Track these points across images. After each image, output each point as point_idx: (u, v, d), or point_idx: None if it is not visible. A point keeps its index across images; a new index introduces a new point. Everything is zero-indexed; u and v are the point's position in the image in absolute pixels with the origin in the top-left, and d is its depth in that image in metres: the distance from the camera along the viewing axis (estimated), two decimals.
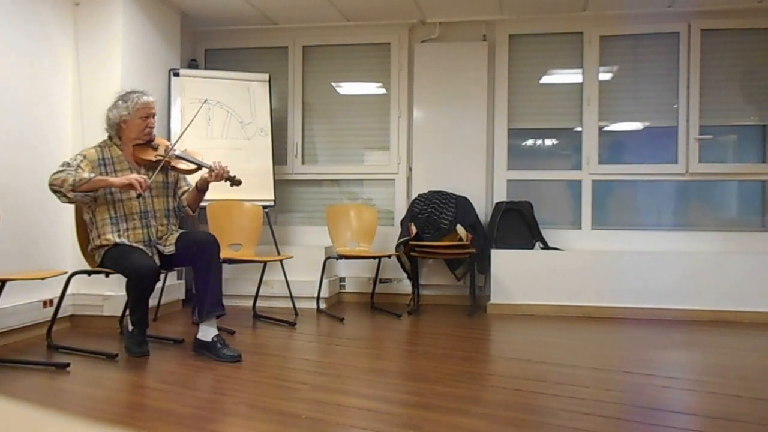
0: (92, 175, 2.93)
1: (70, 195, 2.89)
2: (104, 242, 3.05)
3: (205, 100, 3.58)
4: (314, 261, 4.58)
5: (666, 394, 2.54)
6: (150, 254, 3.06)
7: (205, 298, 3.05)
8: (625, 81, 4.90)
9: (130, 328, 3.11)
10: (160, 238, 3.17)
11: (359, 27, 5.09)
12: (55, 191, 2.90)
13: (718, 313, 4.26)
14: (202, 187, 3.25)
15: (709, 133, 4.74)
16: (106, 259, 3.08)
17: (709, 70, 4.73)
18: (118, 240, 3.05)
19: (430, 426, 2.11)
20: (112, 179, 2.97)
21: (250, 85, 4.75)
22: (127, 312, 3.19)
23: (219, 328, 3.66)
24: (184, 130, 3.50)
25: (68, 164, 3.00)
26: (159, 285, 3.13)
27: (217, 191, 3.53)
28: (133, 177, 2.94)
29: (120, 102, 3.13)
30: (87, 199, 3.00)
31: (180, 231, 3.25)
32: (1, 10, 3.39)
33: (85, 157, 3.07)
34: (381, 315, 4.41)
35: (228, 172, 3.21)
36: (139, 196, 2.98)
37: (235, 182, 3.25)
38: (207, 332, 3.06)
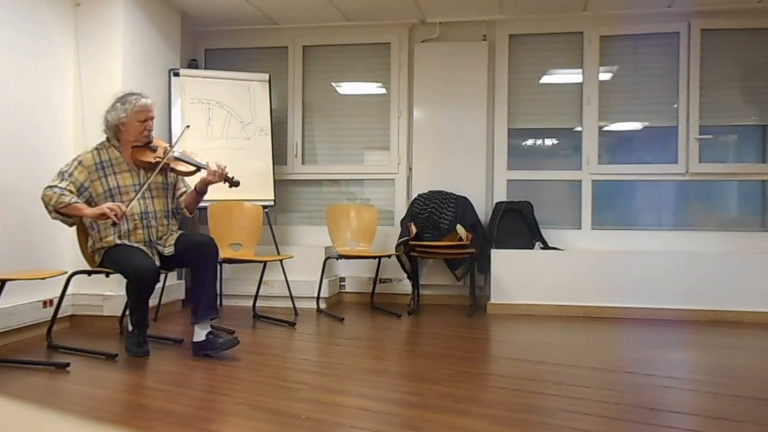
0: (73, 199, 2.94)
1: (53, 214, 2.95)
2: (105, 244, 3.06)
3: (188, 126, 3.60)
4: (314, 261, 4.58)
5: (666, 394, 2.54)
6: (150, 255, 3.06)
7: (199, 301, 3.08)
8: (625, 81, 4.90)
9: (130, 328, 3.11)
10: (160, 239, 3.18)
11: (359, 27, 5.09)
12: (44, 206, 2.95)
13: (718, 313, 4.26)
14: (201, 190, 3.26)
15: (709, 133, 4.74)
16: (106, 260, 3.08)
17: (709, 70, 4.73)
18: (118, 241, 3.05)
19: (430, 426, 2.11)
20: (86, 210, 2.93)
21: (250, 85, 4.75)
22: (127, 312, 3.19)
23: (218, 329, 3.66)
24: (180, 135, 3.51)
25: (62, 173, 3.02)
26: (159, 285, 3.12)
27: (217, 191, 3.53)
28: (107, 206, 2.89)
29: (118, 104, 3.12)
30: (67, 223, 3.04)
31: (180, 232, 3.26)
32: (1, 9, 3.39)
33: (80, 162, 3.07)
34: (381, 315, 4.41)
35: (227, 173, 3.22)
36: (114, 224, 2.97)
37: (233, 183, 3.27)
38: (200, 333, 3.09)
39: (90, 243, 3.14)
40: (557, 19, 4.84)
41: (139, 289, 2.95)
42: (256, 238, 4.34)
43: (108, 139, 3.19)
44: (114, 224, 2.96)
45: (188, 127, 3.56)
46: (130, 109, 3.09)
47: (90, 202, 3.06)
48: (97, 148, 3.16)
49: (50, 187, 2.95)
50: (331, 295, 4.75)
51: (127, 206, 2.97)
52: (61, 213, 2.95)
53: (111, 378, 2.73)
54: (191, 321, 3.09)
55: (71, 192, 2.97)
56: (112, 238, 3.05)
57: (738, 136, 4.88)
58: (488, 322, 4.19)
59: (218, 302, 3.20)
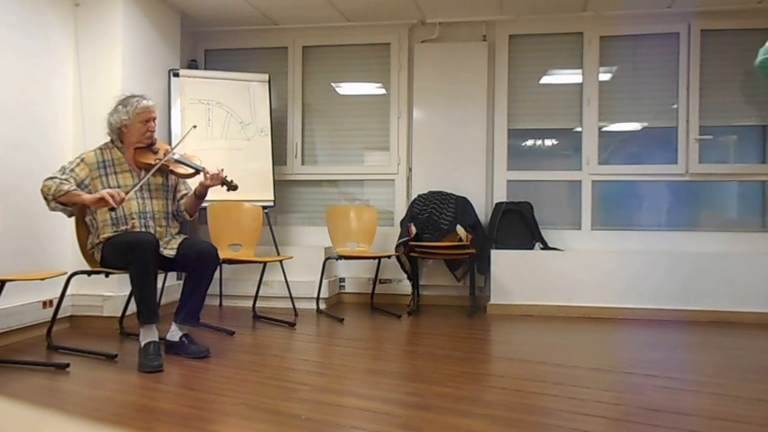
0: (72, 188, 2.93)
1: (52, 204, 2.94)
2: (103, 238, 3.07)
3: (194, 126, 3.63)
4: (314, 261, 4.58)
5: (666, 394, 2.54)
6: None
7: (186, 304, 3.12)
8: (625, 81, 4.89)
9: (142, 344, 2.90)
10: (160, 240, 3.17)
11: (359, 27, 5.09)
12: (43, 197, 2.94)
13: (718, 313, 4.26)
14: (200, 194, 3.28)
15: (709, 133, 4.74)
16: (105, 253, 3.07)
17: (708, 71, 4.73)
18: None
19: (430, 427, 2.10)
20: (86, 196, 2.92)
21: (249, 85, 4.75)
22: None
23: (218, 329, 3.66)
24: (184, 137, 3.52)
25: (64, 168, 3.03)
26: (159, 285, 3.12)
27: (216, 192, 3.54)
28: (106, 192, 2.87)
29: (120, 107, 3.15)
30: (66, 212, 3.03)
31: (183, 237, 3.26)
32: (1, 9, 3.39)
33: (82, 160, 3.09)
34: (381, 315, 4.40)
35: (224, 176, 3.24)
36: (112, 209, 2.92)
37: (231, 187, 3.28)
38: (175, 334, 3.12)
39: (89, 240, 3.15)
40: (557, 20, 4.84)
41: (140, 260, 2.85)
42: (256, 239, 4.34)
43: (112, 141, 3.22)
44: (112, 209, 2.90)
45: (195, 127, 3.58)
46: (131, 111, 3.12)
47: None
48: (100, 148, 3.19)
49: (50, 178, 2.95)
50: (330, 296, 4.75)
51: (126, 194, 2.97)
52: (61, 202, 2.93)
53: (111, 378, 2.72)
54: (173, 319, 3.14)
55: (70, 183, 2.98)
56: (109, 231, 3.07)
57: (738, 137, 4.88)
58: (488, 323, 4.19)
59: (201, 311, 3.22)
